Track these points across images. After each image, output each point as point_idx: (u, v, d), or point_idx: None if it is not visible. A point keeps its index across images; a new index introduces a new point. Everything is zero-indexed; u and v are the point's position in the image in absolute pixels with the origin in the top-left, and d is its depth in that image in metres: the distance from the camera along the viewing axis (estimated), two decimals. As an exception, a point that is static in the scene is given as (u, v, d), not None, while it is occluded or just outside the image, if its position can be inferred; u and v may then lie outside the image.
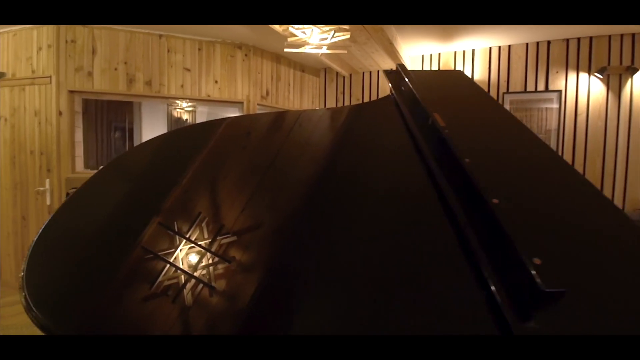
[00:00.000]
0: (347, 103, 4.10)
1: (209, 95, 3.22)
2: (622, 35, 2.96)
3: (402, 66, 1.31)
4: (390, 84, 1.28)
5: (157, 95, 3.03)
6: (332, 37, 2.33)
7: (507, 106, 3.36)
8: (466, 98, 1.21)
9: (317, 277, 0.65)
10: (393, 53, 3.34)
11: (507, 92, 3.38)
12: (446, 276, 0.60)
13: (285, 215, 0.82)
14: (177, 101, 3.55)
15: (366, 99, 3.98)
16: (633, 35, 2.93)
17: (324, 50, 2.51)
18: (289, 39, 2.43)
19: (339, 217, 0.78)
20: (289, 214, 0.82)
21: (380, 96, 3.81)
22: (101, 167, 1.06)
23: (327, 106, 4.20)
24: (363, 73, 4.00)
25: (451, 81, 1.37)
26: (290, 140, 1.13)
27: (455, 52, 3.56)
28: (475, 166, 0.71)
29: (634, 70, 2.92)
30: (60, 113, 2.72)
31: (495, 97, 3.41)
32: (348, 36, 2.40)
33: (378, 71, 3.92)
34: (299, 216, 0.81)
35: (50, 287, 0.66)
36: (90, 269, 0.69)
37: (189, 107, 4.22)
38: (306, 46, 2.47)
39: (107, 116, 4.58)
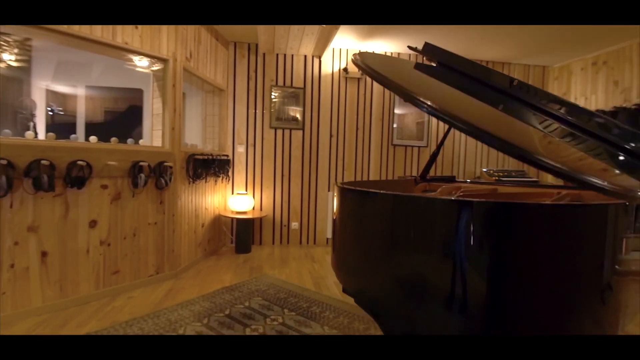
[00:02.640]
0: (260, 84, 3.95)
1: (126, 43, 2.43)
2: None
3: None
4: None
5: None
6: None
7: (397, 101, 4.20)
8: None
9: None
10: (322, 40, 3.55)
11: (397, 90, 4.23)
12: None
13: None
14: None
15: (280, 82, 3.98)
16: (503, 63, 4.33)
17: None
18: None
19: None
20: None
21: (294, 81, 3.91)
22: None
23: (238, 83, 3.91)
24: (277, 54, 3.97)
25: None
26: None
27: (359, 51, 4.12)
28: None
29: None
30: None
31: (388, 94, 4.20)
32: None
33: (293, 55, 4.00)
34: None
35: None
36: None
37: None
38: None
39: None
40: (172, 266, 2.83)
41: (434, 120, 4.31)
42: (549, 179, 4.23)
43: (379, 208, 1.12)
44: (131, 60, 2.68)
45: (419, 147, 4.33)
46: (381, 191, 1.16)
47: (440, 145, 2.35)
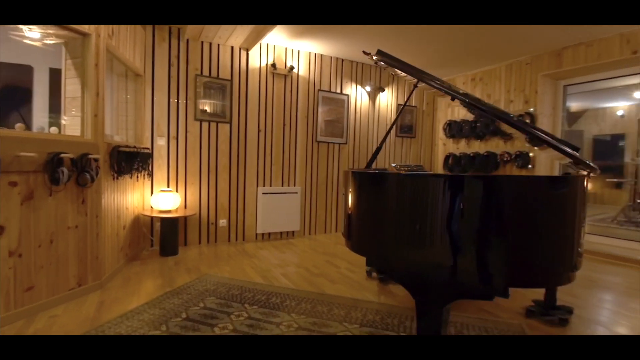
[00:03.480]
0: (183, 72, 3.64)
1: (39, 8, 1.98)
2: (376, 67, 4.83)
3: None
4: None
5: None
6: None
7: (320, 100, 4.45)
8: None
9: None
10: (255, 34, 3.51)
11: (321, 89, 4.46)
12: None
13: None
14: None
15: (205, 72, 3.74)
16: (382, 68, 4.87)
17: None
18: None
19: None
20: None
21: (220, 72, 3.78)
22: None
23: (157, 70, 3.52)
24: (202, 42, 3.72)
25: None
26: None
27: (286, 48, 4.20)
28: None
29: (381, 89, 4.86)
30: None
31: (312, 93, 4.41)
32: None
33: (220, 45, 3.81)
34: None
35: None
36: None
37: None
38: None
39: None
40: (96, 276, 2.43)
41: (351, 118, 4.71)
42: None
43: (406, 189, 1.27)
44: (18, 29, 2.18)
45: (339, 143, 4.66)
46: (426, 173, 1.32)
47: (382, 142, 2.65)
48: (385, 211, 1.15)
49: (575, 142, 6.86)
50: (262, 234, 4.20)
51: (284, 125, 4.26)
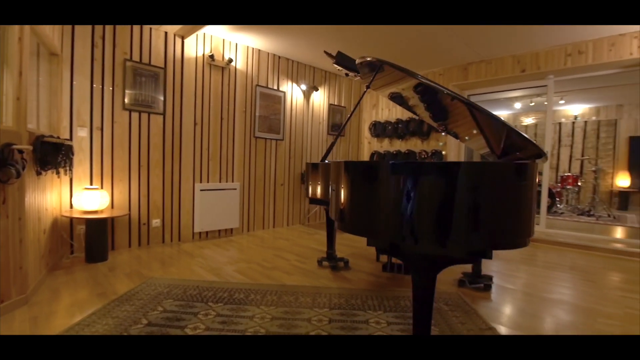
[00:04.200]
0: (109, 55, 3.22)
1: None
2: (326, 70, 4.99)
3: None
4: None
5: None
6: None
7: (258, 95, 4.42)
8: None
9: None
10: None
11: (259, 84, 4.43)
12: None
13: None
14: None
15: (135, 57, 3.38)
16: (320, 69, 5.05)
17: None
18: None
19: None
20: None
21: (153, 59, 3.50)
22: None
23: (77, 50, 3.04)
24: (132, 26, 3.35)
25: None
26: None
27: (224, 40, 4.06)
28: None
29: (315, 89, 5.05)
30: None
31: (251, 87, 4.36)
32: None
33: (151, 29, 3.48)
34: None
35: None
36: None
37: None
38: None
39: None
40: (20, 289, 2.05)
41: (287, 115, 4.79)
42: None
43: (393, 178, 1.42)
44: None
45: (276, 139, 4.70)
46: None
47: (337, 137, 2.83)
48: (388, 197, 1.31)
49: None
50: (200, 233, 4.00)
51: (221, 119, 4.11)
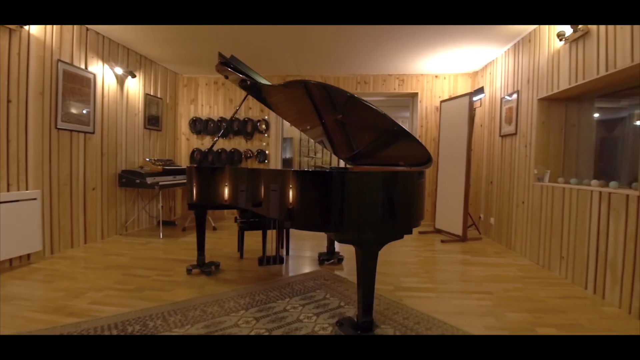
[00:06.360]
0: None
1: None
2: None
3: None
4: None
5: None
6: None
7: (61, 74, 3.38)
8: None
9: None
10: None
11: (61, 60, 3.37)
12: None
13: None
14: None
15: None
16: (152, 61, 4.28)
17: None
18: None
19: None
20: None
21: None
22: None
23: None
24: None
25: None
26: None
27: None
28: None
29: (132, 74, 4.32)
30: None
31: (50, 62, 3.27)
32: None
33: None
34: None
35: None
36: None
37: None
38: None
39: None
40: None
41: (98, 103, 3.89)
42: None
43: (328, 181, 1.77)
44: None
45: (86, 132, 3.74)
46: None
47: (221, 135, 2.77)
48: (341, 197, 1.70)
49: (287, 144, 9.02)
50: (-25, 268, 2.70)
51: (8, 102, 2.89)
